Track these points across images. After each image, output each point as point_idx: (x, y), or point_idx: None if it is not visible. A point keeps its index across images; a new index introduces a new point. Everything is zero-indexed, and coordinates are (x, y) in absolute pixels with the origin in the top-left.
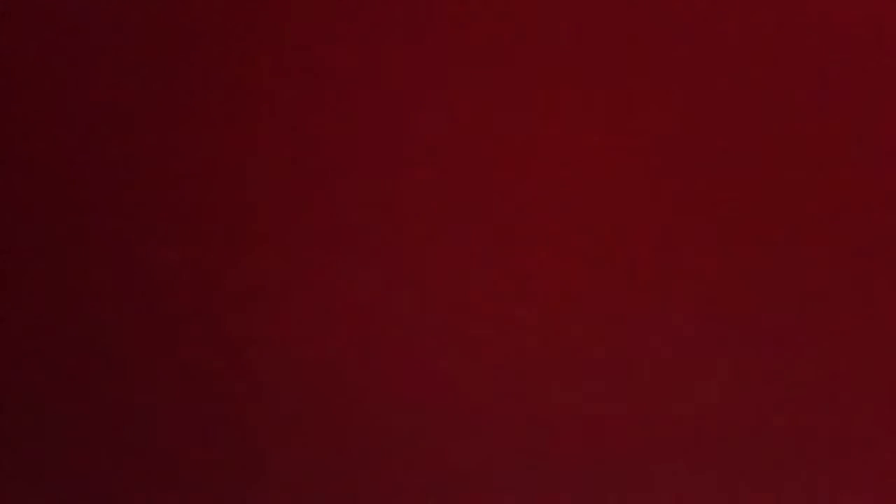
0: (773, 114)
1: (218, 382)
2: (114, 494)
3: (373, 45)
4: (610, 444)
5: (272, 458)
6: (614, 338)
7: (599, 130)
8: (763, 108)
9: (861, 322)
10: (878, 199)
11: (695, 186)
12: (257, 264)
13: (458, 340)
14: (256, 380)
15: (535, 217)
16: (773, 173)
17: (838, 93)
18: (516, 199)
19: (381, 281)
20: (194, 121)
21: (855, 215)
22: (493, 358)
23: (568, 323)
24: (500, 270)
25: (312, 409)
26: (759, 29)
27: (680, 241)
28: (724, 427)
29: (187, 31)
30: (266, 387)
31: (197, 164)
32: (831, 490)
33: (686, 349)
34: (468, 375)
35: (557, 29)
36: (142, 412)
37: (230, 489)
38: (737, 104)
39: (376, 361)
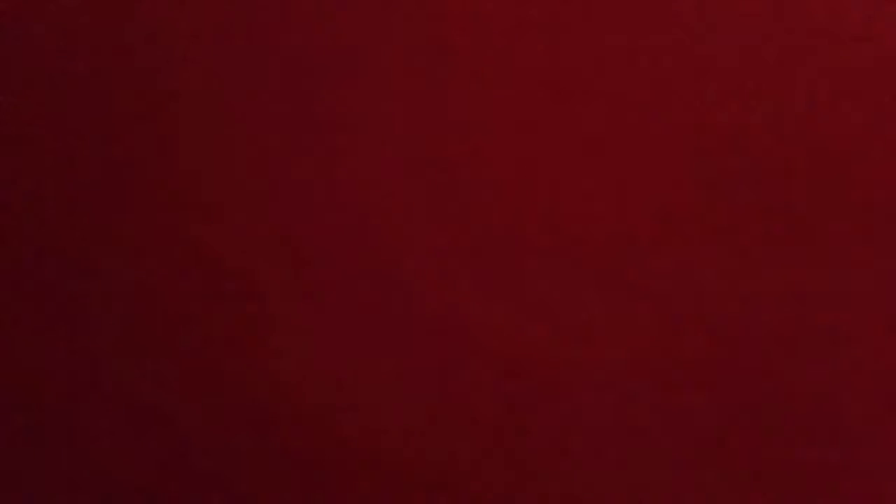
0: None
1: (210, 386)
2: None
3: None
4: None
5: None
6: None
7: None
8: (762, 113)
9: None
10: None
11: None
12: (252, 267)
13: (448, 345)
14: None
15: (531, 221)
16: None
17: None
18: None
19: (377, 284)
20: (185, 121)
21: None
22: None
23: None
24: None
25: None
26: (755, 33)
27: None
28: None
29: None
30: (252, 392)
31: (195, 163)
32: None
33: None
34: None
35: (556, 33)
36: (142, 412)
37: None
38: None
39: (371, 362)
